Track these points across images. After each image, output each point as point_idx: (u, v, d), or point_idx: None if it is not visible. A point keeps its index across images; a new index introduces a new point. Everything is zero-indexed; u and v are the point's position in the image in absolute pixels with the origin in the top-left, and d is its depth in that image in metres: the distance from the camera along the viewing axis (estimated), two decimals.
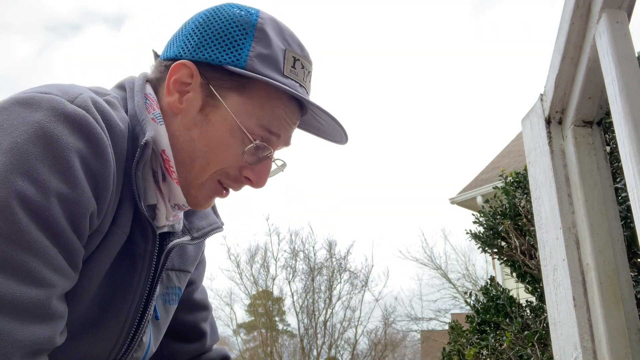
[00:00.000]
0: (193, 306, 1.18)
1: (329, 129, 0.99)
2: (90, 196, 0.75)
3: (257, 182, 0.93)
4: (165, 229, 0.97)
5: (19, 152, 0.69)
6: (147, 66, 0.99)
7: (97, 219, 0.79)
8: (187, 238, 1.01)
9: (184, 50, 0.90)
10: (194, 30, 0.91)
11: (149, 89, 0.93)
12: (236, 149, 0.89)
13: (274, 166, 0.97)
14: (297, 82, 0.91)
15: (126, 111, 0.88)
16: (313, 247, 18.70)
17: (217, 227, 1.08)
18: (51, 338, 0.71)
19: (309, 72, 0.95)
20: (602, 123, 1.14)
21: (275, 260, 18.47)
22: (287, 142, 0.96)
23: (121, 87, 0.95)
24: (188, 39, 0.91)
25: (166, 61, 0.93)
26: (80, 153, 0.74)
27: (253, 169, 0.92)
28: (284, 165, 1.00)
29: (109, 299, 0.88)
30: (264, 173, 0.93)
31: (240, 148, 0.89)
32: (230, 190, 0.95)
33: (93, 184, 0.75)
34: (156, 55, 0.98)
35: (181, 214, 1.00)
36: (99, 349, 0.89)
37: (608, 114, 1.06)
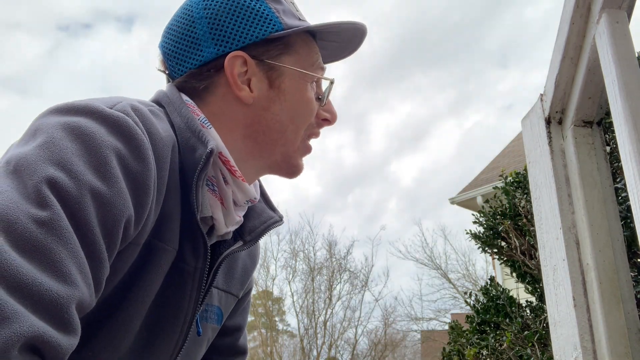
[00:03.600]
0: (236, 352, 1.16)
1: (338, 45, 1.00)
2: (128, 199, 0.68)
3: (334, 116, 0.97)
4: (214, 239, 0.92)
5: (53, 145, 0.65)
6: (155, 66, 0.96)
7: (133, 229, 0.71)
8: (239, 244, 0.94)
9: (218, 47, 0.88)
10: (212, 24, 0.89)
11: (184, 97, 0.90)
12: (314, 98, 0.94)
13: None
14: (305, 19, 0.96)
15: (171, 125, 0.85)
16: (313, 247, 18.78)
17: (273, 222, 1.00)
18: (56, 340, 0.55)
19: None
20: (602, 123, 1.14)
21: (275, 260, 18.53)
22: None
23: (157, 103, 0.91)
24: (214, 35, 0.88)
25: (206, 66, 0.89)
26: (119, 152, 0.69)
27: (325, 108, 0.96)
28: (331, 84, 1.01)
29: (159, 323, 0.83)
30: (333, 106, 0.98)
31: (316, 96, 0.94)
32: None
33: (132, 186, 0.69)
34: (170, 78, 0.94)
35: (242, 214, 0.95)
36: None
37: (608, 114, 1.05)
